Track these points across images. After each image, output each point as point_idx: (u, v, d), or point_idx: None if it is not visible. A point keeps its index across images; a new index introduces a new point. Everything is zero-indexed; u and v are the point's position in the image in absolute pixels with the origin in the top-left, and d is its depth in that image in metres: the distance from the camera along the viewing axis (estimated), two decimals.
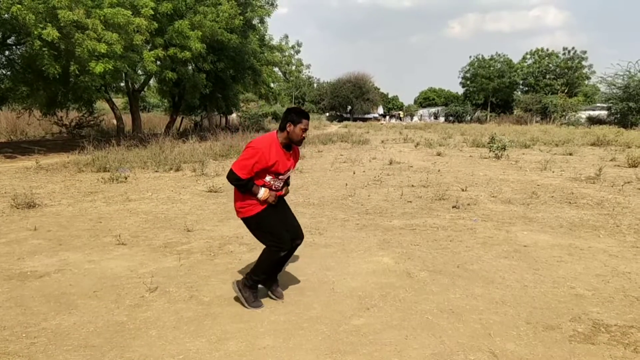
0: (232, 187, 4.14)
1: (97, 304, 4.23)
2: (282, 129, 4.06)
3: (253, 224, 4.16)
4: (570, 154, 18.45)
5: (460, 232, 6.75)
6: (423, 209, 8.39)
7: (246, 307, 4.12)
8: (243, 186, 3.99)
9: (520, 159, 16.84)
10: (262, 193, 3.99)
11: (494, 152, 17.35)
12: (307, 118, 4.09)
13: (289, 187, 4.44)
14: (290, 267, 5.21)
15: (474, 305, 4.17)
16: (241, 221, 4.24)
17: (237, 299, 4.25)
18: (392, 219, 7.59)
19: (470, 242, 6.22)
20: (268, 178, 4.04)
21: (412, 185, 10.82)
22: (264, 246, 4.18)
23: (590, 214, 7.97)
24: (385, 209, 8.35)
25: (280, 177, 4.11)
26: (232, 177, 3.98)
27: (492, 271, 5.08)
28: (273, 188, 4.11)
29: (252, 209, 4.08)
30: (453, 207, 8.48)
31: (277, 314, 4.02)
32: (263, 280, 4.24)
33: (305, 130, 4.05)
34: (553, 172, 13.16)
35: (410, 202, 9.00)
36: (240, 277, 4.90)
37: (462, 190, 10.10)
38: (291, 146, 4.16)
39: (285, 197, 4.42)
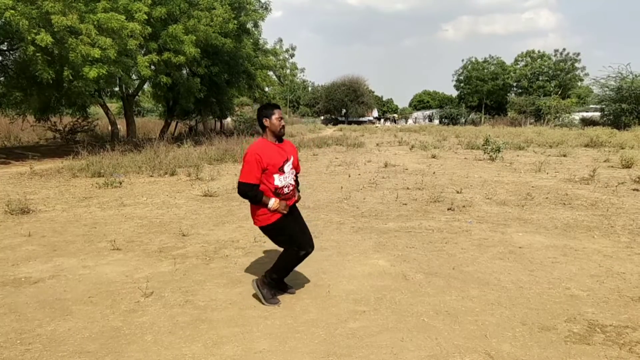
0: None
1: (92, 310, 4.21)
2: (263, 128, 4.29)
3: (271, 230, 4.33)
4: (564, 155, 18.51)
5: (455, 234, 6.76)
6: (418, 211, 8.40)
7: (264, 303, 4.28)
8: (253, 197, 4.14)
9: (515, 160, 16.89)
10: (272, 203, 4.14)
11: (488, 154, 17.39)
12: (278, 108, 4.31)
13: (300, 194, 4.60)
14: None
15: (470, 307, 4.17)
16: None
17: (255, 295, 4.44)
18: (388, 222, 7.60)
19: (465, 244, 6.24)
20: (276, 179, 4.17)
21: (408, 188, 10.83)
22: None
23: (584, 214, 8.00)
24: (380, 212, 8.35)
25: (285, 170, 4.22)
26: (242, 189, 4.13)
27: (487, 273, 5.10)
28: (285, 191, 4.24)
29: (269, 218, 4.22)
30: (448, 209, 8.50)
31: (272, 318, 4.02)
32: (280, 278, 4.44)
33: (281, 118, 4.25)
34: (547, 173, 13.20)
35: (405, 204, 9.01)
36: (240, 280, 4.91)
37: (457, 192, 10.12)
38: (280, 139, 4.36)
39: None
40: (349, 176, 13.03)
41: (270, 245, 6.20)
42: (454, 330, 3.73)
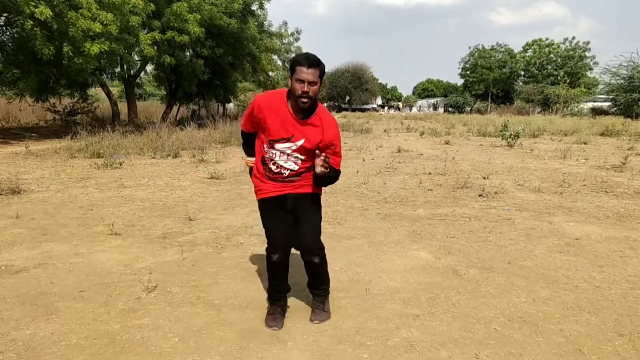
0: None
1: (82, 308, 3.45)
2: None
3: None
4: (585, 143, 17.72)
5: (496, 223, 5.99)
6: (447, 197, 7.63)
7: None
8: (243, 137, 3.43)
9: (535, 147, 16.07)
10: (247, 157, 3.41)
11: (506, 140, 16.59)
12: (308, 65, 2.86)
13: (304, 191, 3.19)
14: None
15: (547, 312, 3.40)
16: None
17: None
18: (416, 208, 6.83)
19: (512, 234, 5.47)
20: (265, 146, 3.11)
21: (429, 173, 10.05)
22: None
23: (633, 203, 7.22)
24: (405, 198, 7.59)
25: (276, 146, 3.04)
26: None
27: (551, 268, 4.32)
28: (272, 167, 3.11)
29: (256, 192, 3.31)
30: (479, 195, 7.73)
31: (306, 322, 3.25)
32: (273, 291, 3.36)
33: (303, 82, 2.85)
34: (577, 160, 12.41)
35: (430, 190, 8.24)
36: (260, 272, 4.16)
37: (484, 178, 9.34)
38: (309, 113, 3.00)
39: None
40: (363, 160, 12.26)
41: None
42: (538, 343, 2.96)
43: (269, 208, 3.22)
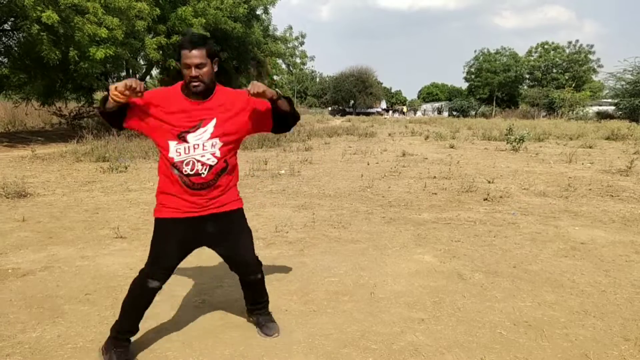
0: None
1: (88, 310, 3.47)
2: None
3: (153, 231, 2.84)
4: (591, 147, 17.66)
5: (501, 227, 5.98)
6: (451, 201, 7.63)
7: None
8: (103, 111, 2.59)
9: (540, 151, 16.04)
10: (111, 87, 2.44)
11: (511, 144, 16.56)
12: (192, 47, 2.58)
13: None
14: (317, 266, 4.44)
15: (553, 316, 3.40)
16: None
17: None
18: (421, 212, 6.83)
19: (517, 238, 5.46)
20: (172, 147, 2.64)
21: (434, 177, 10.04)
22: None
23: (638, 207, 7.20)
24: (410, 201, 7.59)
25: (188, 139, 2.63)
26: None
27: (556, 273, 4.32)
28: (186, 170, 2.64)
29: (157, 209, 2.80)
30: (484, 199, 7.72)
31: (311, 326, 3.25)
32: (125, 330, 2.84)
33: (190, 67, 2.57)
34: (582, 164, 12.38)
35: (435, 194, 8.24)
36: (266, 276, 4.13)
37: (489, 182, 9.33)
38: (207, 94, 2.69)
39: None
40: (368, 164, 12.26)
41: (293, 236, 5.46)
42: (543, 348, 2.96)
43: (173, 231, 2.74)
